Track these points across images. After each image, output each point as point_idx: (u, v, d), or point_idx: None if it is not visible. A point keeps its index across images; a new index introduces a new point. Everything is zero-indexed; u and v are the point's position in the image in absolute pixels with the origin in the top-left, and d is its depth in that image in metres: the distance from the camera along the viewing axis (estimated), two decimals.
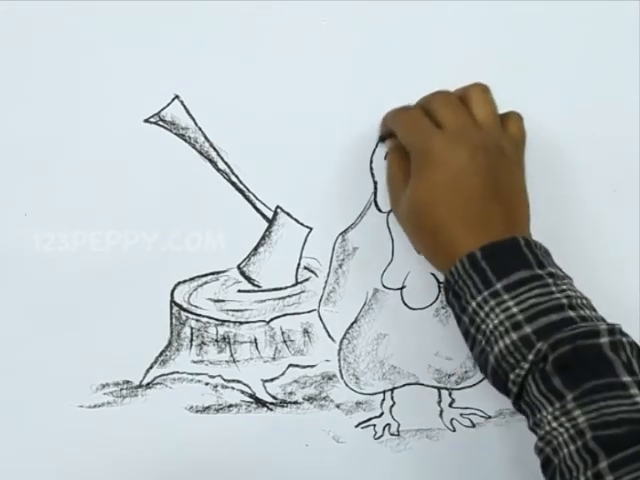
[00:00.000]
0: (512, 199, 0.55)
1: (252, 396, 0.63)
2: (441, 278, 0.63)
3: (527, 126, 0.60)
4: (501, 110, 0.58)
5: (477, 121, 0.55)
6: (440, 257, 0.55)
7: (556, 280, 0.51)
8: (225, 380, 0.63)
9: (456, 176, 0.53)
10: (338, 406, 0.64)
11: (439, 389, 0.64)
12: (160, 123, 0.60)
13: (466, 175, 0.53)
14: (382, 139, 0.61)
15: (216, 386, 0.63)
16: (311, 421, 0.64)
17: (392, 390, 0.64)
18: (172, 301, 0.62)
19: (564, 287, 0.51)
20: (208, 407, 0.63)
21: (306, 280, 0.63)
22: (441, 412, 0.64)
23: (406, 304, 0.63)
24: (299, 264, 0.63)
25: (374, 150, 0.62)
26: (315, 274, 0.63)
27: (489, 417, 0.65)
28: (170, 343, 0.62)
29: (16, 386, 0.61)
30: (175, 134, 0.61)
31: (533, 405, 0.49)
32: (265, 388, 0.63)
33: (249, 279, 0.62)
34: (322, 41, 0.61)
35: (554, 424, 0.47)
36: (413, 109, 0.58)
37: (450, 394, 0.64)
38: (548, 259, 0.53)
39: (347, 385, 0.64)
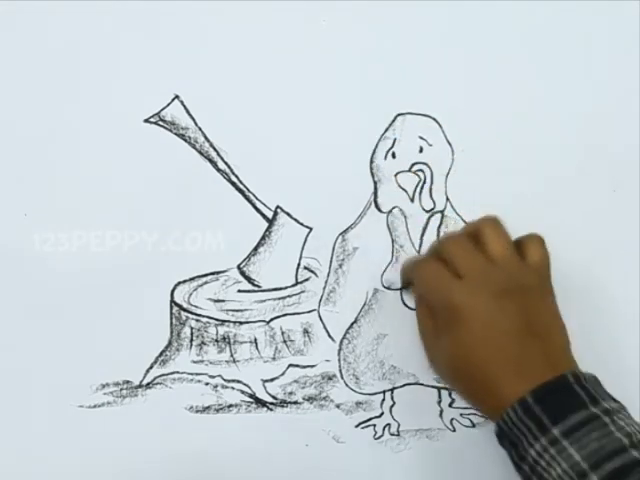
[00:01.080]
0: (548, 333, 0.53)
1: (252, 396, 0.63)
2: None
3: (527, 126, 0.60)
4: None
5: (494, 259, 0.54)
6: (488, 405, 0.53)
7: (612, 416, 0.50)
8: (225, 380, 0.63)
9: (486, 326, 0.52)
10: (338, 406, 0.64)
11: (439, 389, 0.64)
12: (160, 123, 0.60)
13: (496, 323, 0.52)
14: (405, 286, 0.61)
15: (216, 386, 0.63)
16: (311, 421, 0.64)
17: (392, 390, 0.64)
18: (172, 301, 0.62)
19: (622, 423, 0.50)
20: (208, 407, 0.63)
21: (306, 280, 0.63)
22: (441, 412, 0.64)
23: (406, 304, 0.63)
24: (299, 264, 0.63)
25: (374, 150, 0.62)
26: (315, 274, 0.63)
27: None
28: (170, 343, 0.62)
29: (16, 386, 0.61)
30: (175, 134, 0.61)
31: None
32: (265, 388, 0.63)
33: (249, 279, 0.62)
34: (322, 41, 0.61)
35: None
36: (430, 261, 0.56)
37: (450, 394, 0.64)
38: (599, 390, 0.52)
39: (347, 385, 0.64)
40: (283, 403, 0.63)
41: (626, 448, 0.48)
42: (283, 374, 0.63)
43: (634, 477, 0.47)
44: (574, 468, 0.48)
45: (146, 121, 0.60)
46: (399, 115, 0.62)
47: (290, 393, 0.63)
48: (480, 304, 0.52)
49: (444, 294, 0.53)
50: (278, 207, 0.62)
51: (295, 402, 0.63)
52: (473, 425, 0.65)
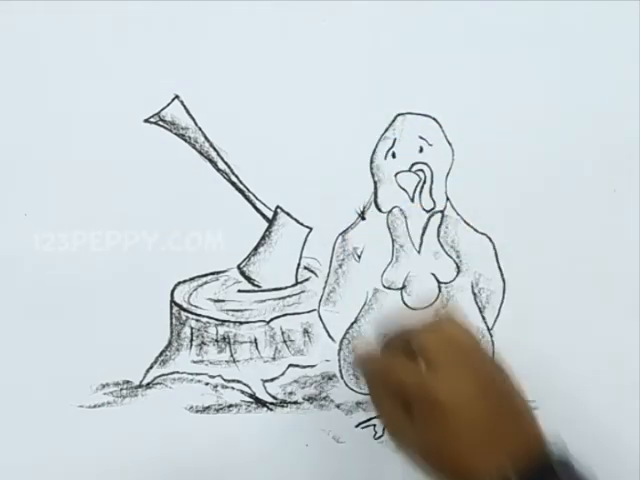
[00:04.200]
0: (523, 411, 0.52)
1: (252, 396, 0.63)
2: (441, 278, 0.63)
3: (528, 126, 0.60)
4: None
5: (463, 349, 0.53)
6: None
7: None
8: (225, 380, 0.63)
9: (470, 418, 0.50)
10: (338, 406, 0.64)
11: None
12: (160, 123, 0.60)
13: (480, 412, 0.51)
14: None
15: (216, 386, 0.63)
16: (311, 421, 0.64)
17: None
18: (172, 301, 0.62)
19: None
20: (208, 407, 0.63)
21: (306, 280, 0.63)
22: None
23: (406, 304, 0.63)
24: (299, 264, 0.63)
25: (374, 150, 0.62)
26: (315, 274, 0.63)
27: None
28: (170, 343, 0.62)
29: (16, 386, 0.61)
30: (175, 134, 0.61)
31: None
32: (265, 388, 0.63)
33: (249, 279, 0.62)
34: (322, 41, 0.61)
35: None
36: (397, 355, 0.54)
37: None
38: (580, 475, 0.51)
39: (347, 385, 0.64)
40: (283, 403, 0.63)
41: None
42: (283, 374, 0.63)
43: None
44: None
45: (146, 121, 0.60)
46: (399, 115, 0.62)
47: (290, 393, 0.63)
48: (463, 396, 0.51)
49: (420, 388, 0.51)
50: (278, 207, 0.62)
51: (295, 402, 0.63)
52: None
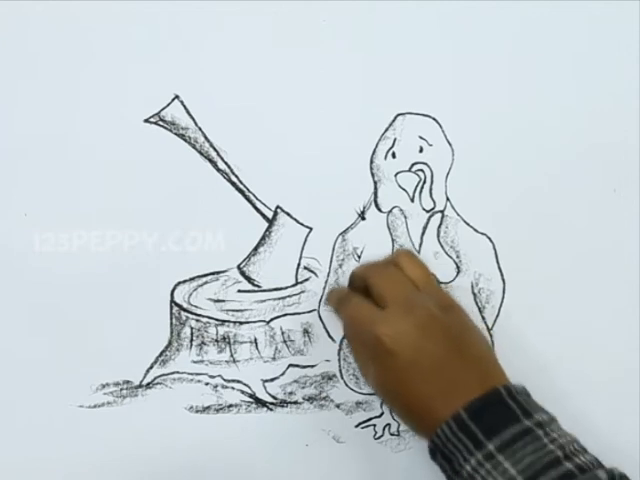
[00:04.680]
0: (475, 349, 0.54)
1: (252, 396, 0.63)
2: (441, 278, 0.63)
3: (527, 126, 0.60)
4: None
5: (417, 284, 0.55)
6: (422, 426, 0.53)
7: (545, 428, 0.50)
8: (225, 380, 0.63)
9: (412, 354, 0.52)
10: (338, 406, 0.64)
11: None
12: (160, 123, 0.60)
13: (423, 350, 0.52)
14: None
15: (216, 386, 0.63)
16: (311, 421, 0.64)
17: None
18: (172, 301, 0.62)
19: (554, 435, 0.50)
20: (208, 407, 0.63)
21: (306, 280, 0.63)
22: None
23: None
24: (299, 264, 0.63)
25: (374, 150, 0.62)
26: (315, 274, 0.63)
27: None
28: (170, 343, 0.62)
29: (16, 386, 0.61)
30: (175, 134, 0.61)
31: None
32: (265, 388, 0.63)
33: (249, 279, 0.62)
34: (322, 41, 0.61)
35: None
36: (351, 295, 0.57)
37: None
38: (531, 403, 0.52)
39: (347, 385, 0.64)
40: (283, 403, 0.63)
41: (560, 460, 0.49)
42: (283, 374, 0.63)
43: None
44: None
45: (146, 121, 0.60)
46: (399, 115, 0.62)
47: (290, 393, 0.63)
48: (405, 334, 0.52)
49: (368, 327, 0.53)
50: (278, 207, 0.62)
51: (295, 402, 0.63)
52: None
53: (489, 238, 0.63)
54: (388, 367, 0.53)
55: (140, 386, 0.62)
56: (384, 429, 0.64)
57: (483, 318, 0.64)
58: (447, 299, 0.56)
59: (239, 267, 0.62)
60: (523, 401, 0.51)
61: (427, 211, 0.63)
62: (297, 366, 0.63)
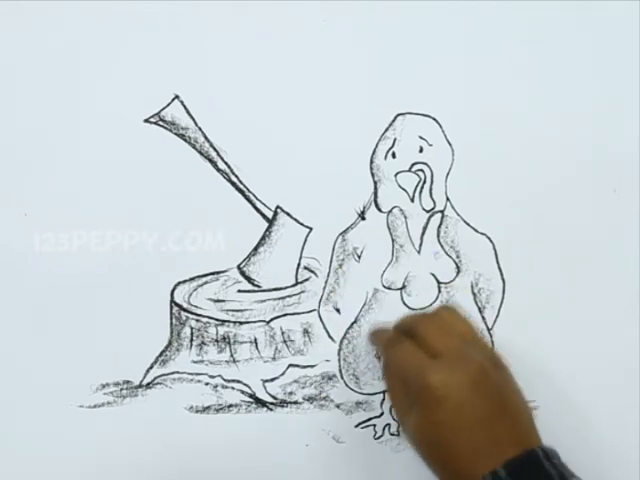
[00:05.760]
0: (517, 410, 0.53)
1: (252, 396, 0.63)
2: (440, 278, 0.63)
3: (528, 126, 0.60)
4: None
5: (466, 339, 0.55)
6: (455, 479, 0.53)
7: None
8: (225, 380, 0.63)
9: (461, 407, 0.51)
10: (338, 406, 0.64)
11: None
12: (160, 123, 0.60)
13: (470, 405, 0.51)
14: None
15: (216, 386, 0.63)
16: (311, 421, 0.64)
17: None
18: (172, 301, 0.62)
19: None
20: (208, 407, 0.63)
21: (306, 280, 0.63)
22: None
23: (406, 304, 0.63)
24: (299, 264, 0.63)
25: (374, 150, 0.62)
26: (315, 274, 0.63)
27: None
28: (170, 343, 0.62)
29: (16, 386, 0.61)
30: (175, 134, 0.61)
31: None
32: (265, 388, 0.63)
33: (249, 279, 0.62)
34: (322, 41, 0.61)
35: None
36: (404, 340, 0.56)
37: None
38: (565, 468, 0.51)
39: (347, 385, 0.64)
40: (283, 403, 0.63)
41: None
42: (283, 374, 0.63)
43: None
44: None
45: (146, 121, 0.60)
46: (399, 115, 0.62)
47: (290, 393, 0.63)
48: (456, 385, 0.52)
49: (418, 374, 0.52)
50: (278, 207, 0.62)
51: (295, 402, 0.63)
52: None
53: (489, 238, 0.63)
54: (432, 416, 0.52)
55: (140, 386, 0.62)
56: (384, 429, 0.64)
57: (483, 318, 0.64)
58: (497, 355, 0.55)
59: (239, 267, 0.62)
60: (559, 464, 0.51)
61: (427, 211, 0.63)
62: (297, 366, 0.63)
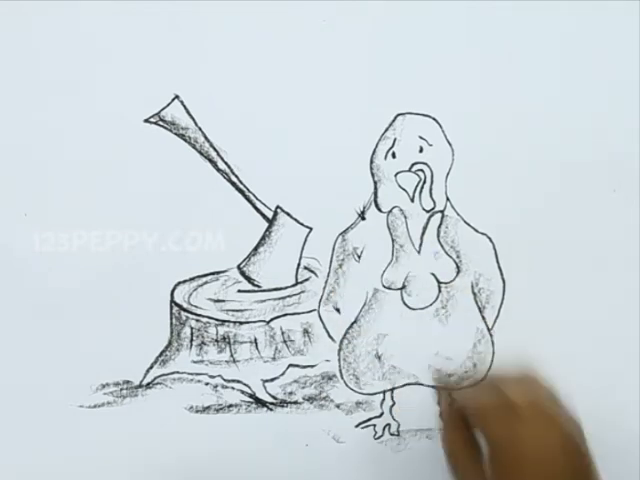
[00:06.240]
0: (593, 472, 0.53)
1: (252, 396, 0.63)
2: (441, 278, 0.63)
3: (527, 126, 0.60)
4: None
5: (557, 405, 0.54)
6: None
7: None
8: (225, 380, 0.63)
9: (548, 464, 0.51)
10: (338, 406, 0.64)
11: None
12: (160, 123, 0.60)
13: (557, 461, 0.51)
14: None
15: (216, 386, 0.63)
16: (311, 421, 0.64)
17: (392, 390, 0.64)
18: (172, 301, 0.62)
19: None
20: (208, 407, 0.63)
21: (306, 280, 0.63)
22: (441, 412, 0.64)
23: (406, 304, 0.63)
24: (299, 264, 0.63)
25: (374, 150, 0.62)
26: (315, 274, 0.63)
27: None
28: (170, 343, 0.62)
29: (16, 386, 0.61)
30: (175, 134, 0.61)
31: None
32: (265, 388, 0.63)
33: (249, 279, 0.62)
34: (322, 41, 0.61)
35: None
36: (489, 395, 0.55)
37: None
38: None
39: (347, 385, 0.64)
40: (283, 403, 0.63)
41: None
42: (283, 374, 0.63)
43: None
44: None
45: (146, 121, 0.60)
46: (399, 115, 0.62)
47: (290, 393, 0.63)
48: (545, 439, 0.51)
49: (510, 440, 0.52)
50: (278, 207, 0.62)
51: (295, 402, 0.63)
52: None
53: (489, 238, 0.63)
54: (517, 476, 0.51)
55: (140, 386, 0.62)
56: (384, 429, 0.64)
57: (483, 318, 0.64)
58: (575, 416, 0.55)
59: (239, 267, 0.62)
60: None
61: (427, 211, 0.63)
62: (297, 366, 0.63)
